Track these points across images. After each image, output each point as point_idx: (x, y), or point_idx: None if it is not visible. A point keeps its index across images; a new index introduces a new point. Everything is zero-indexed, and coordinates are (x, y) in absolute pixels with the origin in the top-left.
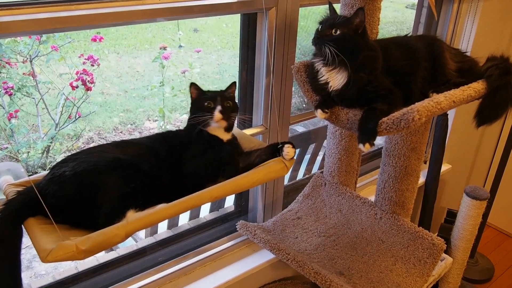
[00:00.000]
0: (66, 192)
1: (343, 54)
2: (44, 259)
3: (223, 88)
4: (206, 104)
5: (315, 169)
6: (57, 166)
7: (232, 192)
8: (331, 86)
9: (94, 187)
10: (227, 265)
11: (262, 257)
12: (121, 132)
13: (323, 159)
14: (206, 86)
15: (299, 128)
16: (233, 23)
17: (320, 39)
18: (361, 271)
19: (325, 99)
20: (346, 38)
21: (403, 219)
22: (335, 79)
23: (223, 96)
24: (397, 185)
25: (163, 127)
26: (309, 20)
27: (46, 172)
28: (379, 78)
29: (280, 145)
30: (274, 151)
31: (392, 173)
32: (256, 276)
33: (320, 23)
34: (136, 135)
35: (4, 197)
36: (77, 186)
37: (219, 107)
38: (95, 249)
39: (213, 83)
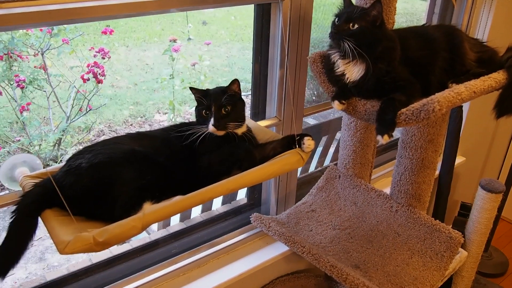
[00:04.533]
0: (83, 184)
1: (361, 48)
2: (62, 251)
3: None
4: (203, 113)
5: (327, 161)
6: (73, 158)
7: (248, 185)
8: (348, 78)
9: (110, 179)
10: (240, 258)
11: (275, 250)
12: (131, 124)
13: (335, 152)
14: (215, 79)
15: (310, 121)
16: (241, 15)
17: (337, 34)
18: (377, 264)
19: (342, 90)
20: (364, 31)
21: (420, 212)
22: (352, 71)
23: (219, 104)
24: (413, 177)
25: (173, 120)
26: (319, 11)
27: (61, 164)
28: (397, 69)
29: (298, 137)
30: (290, 143)
31: (408, 165)
32: (269, 269)
33: (336, 16)
34: (146, 128)
35: (21, 189)
36: (93, 178)
37: (212, 120)
38: (112, 241)
39: (223, 75)
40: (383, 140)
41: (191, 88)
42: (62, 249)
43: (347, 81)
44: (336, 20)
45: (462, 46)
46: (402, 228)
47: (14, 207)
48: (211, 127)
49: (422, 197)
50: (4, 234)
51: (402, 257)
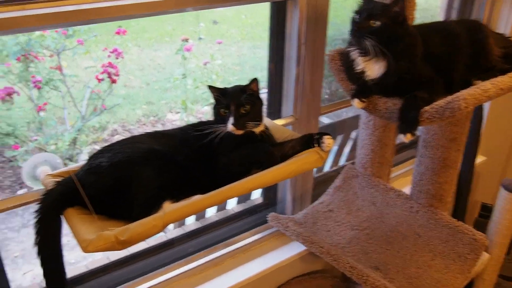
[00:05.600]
0: (103, 183)
1: (383, 46)
2: (85, 249)
3: (243, 82)
4: (222, 112)
5: (342, 161)
6: (94, 157)
7: (268, 184)
8: (368, 75)
9: (130, 178)
10: (256, 257)
11: (291, 250)
12: (144, 124)
13: (350, 151)
14: (227, 78)
15: (324, 119)
16: (252, 14)
17: (358, 31)
18: (398, 266)
19: (362, 88)
20: (386, 29)
21: (441, 213)
22: (373, 69)
23: (238, 102)
24: (435, 177)
25: (185, 119)
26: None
27: (82, 163)
28: (419, 66)
29: (316, 136)
30: (308, 142)
31: (429, 164)
32: (285, 268)
33: (357, 12)
34: (159, 127)
35: (43, 187)
36: (114, 177)
37: (231, 119)
38: (133, 240)
39: (234, 74)
40: (405, 138)
41: (209, 87)
42: (85, 247)
43: (367, 79)
44: (357, 17)
45: (486, 42)
46: (423, 229)
47: (37, 206)
48: (230, 126)
49: (444, 197)
50: (26, 231)
51: (424, 259)
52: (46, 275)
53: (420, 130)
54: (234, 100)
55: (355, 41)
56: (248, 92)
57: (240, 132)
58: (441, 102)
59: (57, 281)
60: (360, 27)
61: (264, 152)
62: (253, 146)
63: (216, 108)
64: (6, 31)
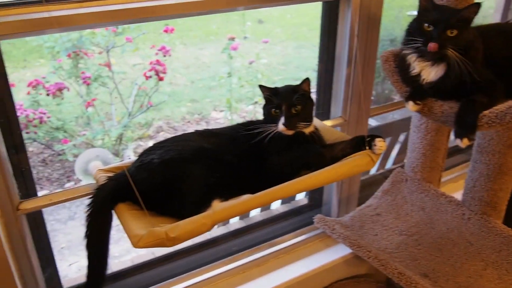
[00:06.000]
0: (154, 179)
1: (461, 54)
2: (135, 245)
3: (288, 82)
4: (273, 112)
5: (389, 164)
6: (145, 153)
7: (317, 186)
8: (424, 79)
9: (181, 175)
10: (300, 259)
11: (335, 253)
12: (188, 121)
13: (398, 154)
14: (271, 77)
15: (371, 122)
16: (297, 13)
17: (442, 44)
18: (447, 274)
19: (417, 90)
20: (462, 36)
21: (495, 221)
22: (430, 72)
23: (289, 103)
24: (489, 184)
25: (229, 118)
26: None
27: (133, 159)
28: (479, 69)
29: (368, 138)
30: (359, 144)
31: (484, 171)
32: (329, 271)
33: (428, 21)
34: (203, 125)
35: (95, 181)
36: (165, 174)
37: (282, 119)
38: (183, 237)
39: (279, 74)
40: (462, 144)
41: (260, 86)
42: (136, 242)
43: (423, 82)
44: (430, 28)
45: None
46: (475, 237)
47: (89, 200)
48: (281, 126)
49: (498, 205)
50: (72, 223)
51: (475, 268)
52: (89, 267)
53: (477, 136)
54: (285, 100)
55: (430, 54)
56: (299, 92)
57: (290, 132)
58: (501, 106)
59: (98, 275)
60: (442, 39)
61: (315, 154)
62: (304, 148)
63: (267, 108)
64: (64, 28)
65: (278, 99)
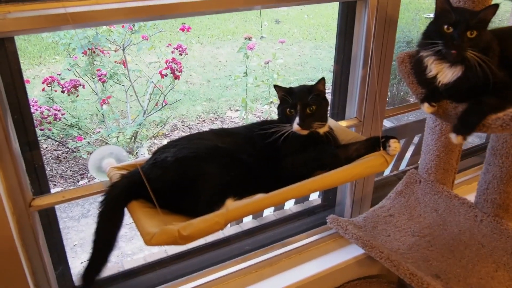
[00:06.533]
0: (168, 177)
1: (481, 55)
2: (148, 242)
3: (303, 83)
4: (287, 111)
5: (403, 165)
6: (159, 151)
7: (331, 186)
8: (440, 81)
9: (195, 173)
10: (313, 259)
11: (348, 253)
12: (203, 120)
13: (412, 155)
14: (287, 77)
15: (385, 123)
16: (314, 14)
17: (462, 47)
18: (459, 275)
19: (432, 92)
20: (480, 38)
21: (507, 223)
22: (446, 74)
23: (304, 102)
24: (502, 186)
25: (244, 117)
26: None
27: (147, 157)
28: (494, 71)
29: (382, 139)
30: (374, 145)
31: (497, 173)
32: (341, 272)
33: (447, 23)
34: (218, 124)
35: (108, 179)
36: (179, 172)
37: (297, 119)
38: (196, 236)
39: (294, 74)
40: (456, 140)
41: (275, 86)
42: (148, 240)
43: (439, 84)
44: (450, 29)
45: None
46: (487, 239)
47: (103, 197)
48: (296, 126)
49: (511, 207)
50: (85, 221)
51: (487, 269)
52: (90, 261)
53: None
54: (300, 100)
55: (452, 55)
56: (314, 92)
57: (305, 132)
58: None
59: (95, 270)
60: (463, 42)
61: (330, 154)
62: (319, 149)
63: (282, 108)
64: (80, 25)
65: (293, 99)
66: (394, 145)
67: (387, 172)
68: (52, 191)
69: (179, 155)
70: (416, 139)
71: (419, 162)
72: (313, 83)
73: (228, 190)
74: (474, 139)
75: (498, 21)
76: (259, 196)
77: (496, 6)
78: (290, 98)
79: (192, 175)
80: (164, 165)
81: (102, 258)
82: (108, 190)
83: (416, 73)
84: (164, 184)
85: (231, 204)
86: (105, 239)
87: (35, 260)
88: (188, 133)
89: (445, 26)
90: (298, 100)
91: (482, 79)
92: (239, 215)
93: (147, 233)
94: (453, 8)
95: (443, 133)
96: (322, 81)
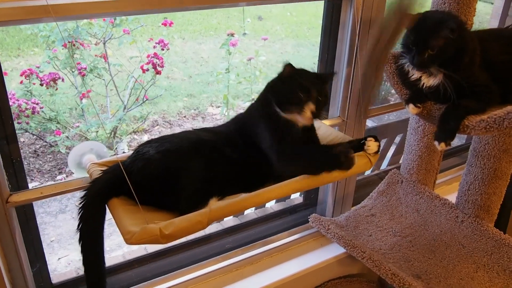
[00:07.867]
0: (150, 170)
1: (447, 66)
2: (128, 241)
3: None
4: (299, 94)
5: (384, 165)
6: (141, 146)
7: (314, 186)
8: (424, 83)
9: (178, 167)
10: (294, 258)
11: (329, 252)
12: (184, 116)
13: (393, 155)
14: (269, 75)
15: (368, 123)
16: (297, 12)
17: (422, 65)
18: (440, 276)
19: (416, 93)
20: (444, 51)
21: (487, 225)
22: (429, 79)
23: (319, 90)
24: (483, 188)
25: (226, 114)
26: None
27: (129, 153)
28: (476, 74)
29: (362, 141)
30: (357, 145)
31: (479, 175)
32: (322, 270)
33: (410, 40)
34: (199, 120)
35: (88, 175)
36: (161, 164)
37: (311, 106)
38: (178, 235)
39: (277, 71)
40: (439, 147)
41: (288, 65)
42: (129, 239)
43: (423, 86)
44: (413, 48)
45: None
46: (468, 240)
47: (83, 193)
48: (308, 113)
49: (491, 209)
50: (63, 217)
51: (467, 270)
52: (85, 262)
53: (461, 138)
54: (315, 86)
55: (417, 69)
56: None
57: (312, 121)
58: (500, 112)
59: (96, 269)
60: (421, 61)
61: (332, 157)
62: (309, 149)
63: (289, 84)
64: (61, 17)
65: (305, 81)
66: (369, 143)
67: (368, 171)
68: (30, 186)
69: (160, 148)
70: (397, 139)
71: (401, 162)
72: None
73: (212, 189)
74: (455, 140)
75: (478, 23)
76: (243, 195)
77: (456, 24)
78: (301, 80)
79: (174, 168)
80: (146, 157)
81: (96, 257)
82: (88, 187)
83: (400, 75)
84: (146, 177)
85: (214, 204)
86: (91, 236)
87: (11, 257)
88: (169, 129)
89: (410, 43)
90: (313, 84)
91: (463, 82)
92: (222, 215)
93: (128, 231)
94: (415, 28)
95: (426, 133)
96: (332, 75)
